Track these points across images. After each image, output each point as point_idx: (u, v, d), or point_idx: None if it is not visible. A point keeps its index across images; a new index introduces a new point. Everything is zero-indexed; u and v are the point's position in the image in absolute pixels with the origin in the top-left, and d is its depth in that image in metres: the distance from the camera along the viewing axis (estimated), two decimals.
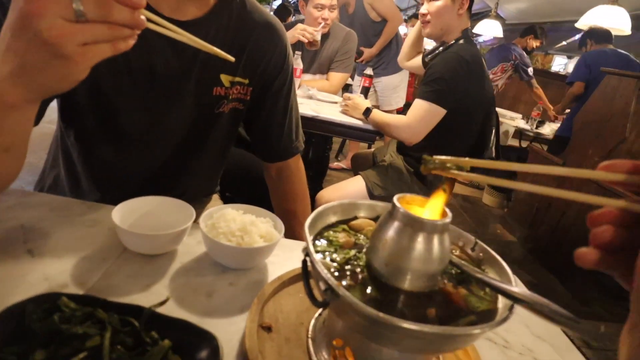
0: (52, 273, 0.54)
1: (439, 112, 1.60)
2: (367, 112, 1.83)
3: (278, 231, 0.65)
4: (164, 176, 0.89)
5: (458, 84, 1.57)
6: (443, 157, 0.39)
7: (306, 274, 0.43)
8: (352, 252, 0.46)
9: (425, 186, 1.78)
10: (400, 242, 0.41)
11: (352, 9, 3.29)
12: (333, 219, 0.51)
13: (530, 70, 3.98)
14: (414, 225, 0.41)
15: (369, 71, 2.42)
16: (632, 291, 0.25)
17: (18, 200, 0.69)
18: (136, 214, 0.64)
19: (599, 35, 3.21)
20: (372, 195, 1.78)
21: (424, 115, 1.61)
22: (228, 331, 0.50)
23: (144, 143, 0.83)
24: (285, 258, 0.69)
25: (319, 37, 2.28)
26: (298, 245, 0.74)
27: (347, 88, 3.33)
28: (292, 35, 2.22)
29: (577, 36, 3.53)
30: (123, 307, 0.46)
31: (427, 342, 0.36)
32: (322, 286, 0.37)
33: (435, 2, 1.68)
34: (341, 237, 0.49)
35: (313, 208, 1.96)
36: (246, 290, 0.59)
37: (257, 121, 0.97)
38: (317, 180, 2.60)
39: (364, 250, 0.47)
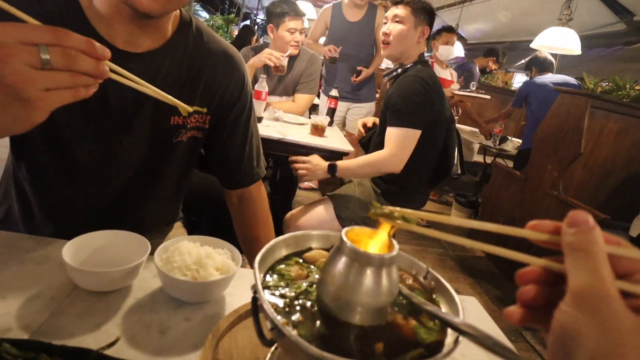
0: None
1: (415, 134, 1.64)
2: (332, 168, 1.72)
3: (235, 262, 0.65)
4: (121, 207, 0.87)
5: (422, 104, 1.62)
6: (391, 208, 0.40)
7: (256, 311, 0.43)
8: (304, 285, 0.47)
9: (392, 205, 1.81)
10: (348, 277, 0.42)
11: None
12: (284, 252, 0.52)
13: (472, 85, 4.23)
14: (361, 259, 0.42)
15: (334, 92, 2.47)
16: (549, 345, 0.27)
17: None
18: (89, 250, 0.63)
19: (541, 64, 3.49)
20: (339, 217, 1.80)
21: (403, 142, 1.64)
22: None
23: (99, 174, 0.81)
24: (243, 289, 0.68)
25: (285, 63, 2.31)
26: (251, 276, 0.74)
27: (313, 109, 3.38)
28: (259, 59, 2.24)
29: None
30: (69, 351, 0.45)
31: None
32: (269, 325, 0.37)
33: (398, 24, 1.74)
34: (293, 270, 0.49)
35: (282, 228, 1.94)
36: (202, 325, 0.58)
37: (216, 149, 0.97)
38: (286, 201, 2.60)
39: (315, 284, 0.47)
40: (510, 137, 3.90)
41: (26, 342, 0.45)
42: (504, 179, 3.03)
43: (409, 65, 1.75)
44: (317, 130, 2.12)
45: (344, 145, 2.10)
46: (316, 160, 1.75)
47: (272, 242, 0.50)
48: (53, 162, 0.78)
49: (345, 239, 0.43)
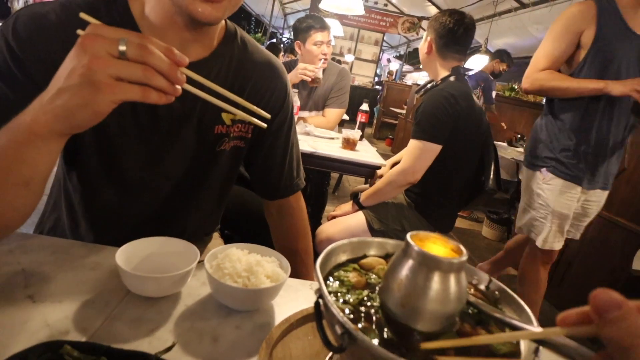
0: (54, 319, 0.52)
1: (434, 148, 1.62)
2: (356, 198, 1.84)
3: (284, 270, 0.64)
4: (164, 216, 0.88)
5: (447, 118, 1.60)
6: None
7: (319, 316, 0.41)
8: (365, 292, 0.45)
9: (427, 221, 1.78)
10: (415, 282, 0.40)
11: None
12: (343, 257, 0.51)
13: (492, 94, 4.13)
14: (429, 264, 0.40)
15: (364, 106, 2.47)
16: None
17: (19, 244, 0.68)
18: (139, 256, 0.63)
19: None
20: (372, 230, 1.77)
21: (418, 154, 1.64)
22: None
23: (144, 184, 0.83)
24: (290, 299, 0.67)
25: (320, 74, 2.34)
26: (302, 284, 0.73)
27: (343, 124, 3.38)
28: (295, 75, 2.28)
29: None
30: (128, 355, 0.44)
31: None
32: (339, 330, 0.36)
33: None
34: (352, 276, 0.48)
35: (313, 243, 1.95)
36: (253, 334, 0.57)
37: (257, 159, 0.97)
38: (316, 215, 2.59)
39: (377, 290, 0.46)
40: None
41: (86, 344, 0.44)
42: None
43: (439, 80, 1.75)
44: (349, 144, 2.12)
45: (376, 158, 2.09)
46: (342, 209, 1.90)
47: (330, 247, 0.48)
48: (102, 171, 0.80)
49: (412, 242, 0.42)
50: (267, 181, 1.00)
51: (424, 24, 8.75)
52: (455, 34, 1.66)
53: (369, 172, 2.08)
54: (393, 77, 11.46)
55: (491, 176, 1.69)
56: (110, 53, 0.46)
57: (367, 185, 2.36)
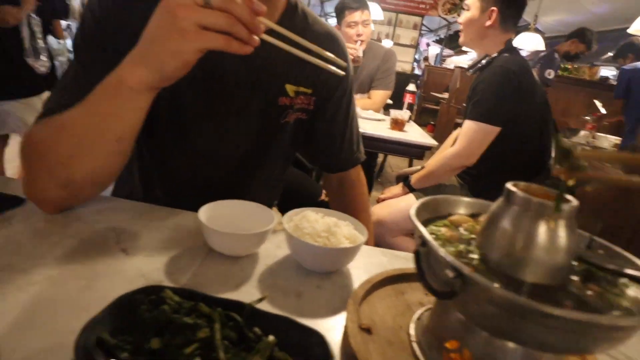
0: (147, 270, 0.54)
1: (491, 130, 1.55)
2: (406, 180, 1.80)
3: (361, 233, 0.63)
4: (229, 187, 0.90)
5: (508, 97, 1.53)
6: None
7: (420, 265, 0.40)
8: (461, 246, 0.44)
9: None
10: (522, 230, 0.38)
11: None
12: (427, 215, 0.49)
13: (549, 73, 3.80)
14: (537, 209, 0.38)
15: (411, 87, 2.42)
16: None
17: (105, 206, 0.71)
18: (219, 216, 0.64)
19: (638, 50, 3.12)
20: None
21: (473, 136, 1.58)
22: (323, 331, 0.48)
23: (213, 154, 0.85)
24: (363, 263, 0.67)
25: (361, 53, 2.30)
26: (373, 251, 0.72)
27: (386, 107, 3.33)
28: None
29: None
30: (224, 302, 0.45)
31: (569, 335, 0.33)
32: (450, 274, 0.35)
33: (466, 12, 1.71)
34: (444, 231, 0.47)
35: None
36: (334, 293, 0.57)
37: (319, 131, 0.97)
38: None
39: (473, 244, 0.44)
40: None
41: (184, 290, 0.46)
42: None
43: (494, 55, 1.66)
44: (397, 124, 2.08)
45: (425, 139, 2.05)
46: (391, 192, 1.86)
47: (421, 201, 0.47)
48: (176, 140, 0.82)
49: (514, 189, 0.40)
50: (328, 153, 1.00)
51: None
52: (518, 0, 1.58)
53: (418, 153, 2.04)
54: (430, 61, 11.15)
55: (552, 155, 1.61)
56: (196, 2, 0.48)
57: (414, 168, 2.32)
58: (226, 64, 0.77)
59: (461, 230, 0.48)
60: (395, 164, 5.04)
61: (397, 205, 1.80)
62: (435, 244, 0.37)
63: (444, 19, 10.09)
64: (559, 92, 4.21)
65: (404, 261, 0.70)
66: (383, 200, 1.87)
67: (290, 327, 0.44)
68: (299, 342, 0.42)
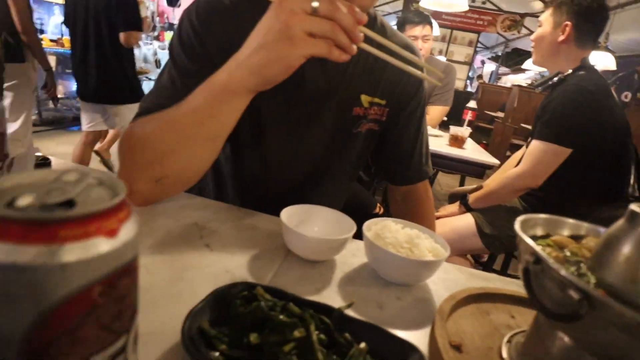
0: (231, 267, 0.55)
1: (561, 151, 1.47)
2: (464, 199, 1.74)
3: (443, 247, 0.61)
4: (297, 195, 0.90)
5: (582, 118, 1.44)
6: None
7: (530, 284, 0.38)
8: (572, 268, 0.41)
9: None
10: None
11: None
12: (537, 231, 0.47)
13: (625, 96, 3.56)
14: None
15: (472, 104, 2.36)
16: None
17: (186, 202, 0.73)
18: (298, 220, 0.65)
19: None
20: (482, 233, 1.67)
21: (541, 156, 1.50)
22: None
23: (286, 158, 0.86)
24: (441, 279, 0.64)
25: None
26: (451, 267, 0.70)
27: (442, 124, 3.26)
28: None
29: None
30: (313, 305, 0.45)
31: None
32: (575, 296, 0.32)
33: (539, 28, 1.64)
34: (549, 251, 0.44)
35: None
36: (415, 307, 0.55)
37: (389, 142, 0.96)
38: None
39: (583, 267, 0.41)
40: None
41: (275, 289, 0.46)
42: None
43: (567, 73, 1.58)
44: (457, 141, 2.03)
45: (486, 157, 1.98)
46: (447, 210, 1.81)
47: (525, 216, 0.45)
48: (249, 144, 0.84)
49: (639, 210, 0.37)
50: (396, 165, 0.99)
51: (528, 21, 8.10)
52: (593, 13, 1.50)
53: (477, 171, 1.98)
54: (484, 79, 10.85)
55: (631, 182, 1.50)
56: (304, 9, 0.50)
57: (469, 187, 2.25)
58: (306, 71, 0.78)
59: (566, 252, 0.45)
60: (445, 182, 4.92)
61: (453, 223, 1.75)
62: (554, 262, 0.35)
63: (502, 36, 9.81)
64: (638, 116, 3.95)
65: (482, 280, 0.67)
66: (438, 218, 1.82)
67: (380, 336, 0.43)
68: (391, 354, 0.41)
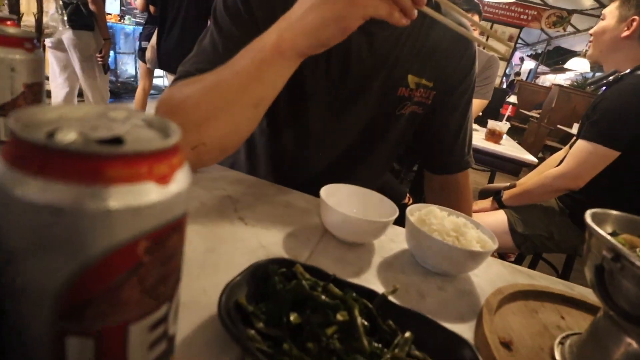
0: (266, 242, 0.53)
1: (608, 154, 1.38)
2: (497, 195, 1.66)
3: (491, 240, 0.57)
4: (337, 171, 0.88)
5: (635, 121, 1.35)
6: None
7: (603, 282, 0.34)
8: None
9: (582, 231, 1.55)
10: None
11: None
12: (607, 228, 0.42)
13: None
14: None
15: (512, 98, 2.26)
16: None
17: (219, 174, 0.72)
18: (337, 200, 0.62)
19: None
20: (514, 232, 1.61)
21: (586, 157, 1.41)
22: None
23: (324, 136, 0.83)
24: (484, 272, 0.60)
25: None
26: (492, 261, 0.66)
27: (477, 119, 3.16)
28: None
29: None
30: (355, 288, 0.42)
31: None
32: None
33: (601, 21, 1.53)
34: None
35: None
36: (458, 299, 0.52)
37: (432, 128, 0.91)
38: None
39: None
40: None
41: (314, 268, 0.43)
42: None
43: (625, 72, 1.48)
44: (494, 136, 1.95)
45: (524, 154, 1.89)
46: (478, 205, 1.74)
47: (590, 212, 0.41)
48: (288, 120, 0.81)
49: None
50: (436, 152, 0.94)
51: (574, 19, 7.71)
52: None
53: (514, 169, 1.90)
54: (522, 77, 10.46)
55: None
56: None
57: (502, 184, 2.17)
58: (352, 45, 0.74)
59: (638, 251, 0.41)
60: (472, 179, 4.78)
61: (483, 219, 1.68)
62: (635, 259, 0.31)
63: (546, 32, 9.40)
64: None
65: (526, 276, 0.63)
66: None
67: (429, 327, 0.39)
68: (438, 346, 0.38)
